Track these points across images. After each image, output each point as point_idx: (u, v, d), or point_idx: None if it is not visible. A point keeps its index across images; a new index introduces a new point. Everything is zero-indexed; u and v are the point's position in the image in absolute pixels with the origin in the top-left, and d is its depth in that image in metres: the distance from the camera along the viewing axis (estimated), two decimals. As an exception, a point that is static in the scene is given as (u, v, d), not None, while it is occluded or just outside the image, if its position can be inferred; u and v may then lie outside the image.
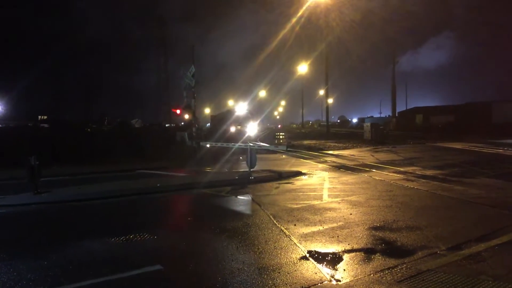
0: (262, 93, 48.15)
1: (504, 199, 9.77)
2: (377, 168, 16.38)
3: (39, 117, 59.93)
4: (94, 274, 5.54)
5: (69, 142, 22.69)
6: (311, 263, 5.82)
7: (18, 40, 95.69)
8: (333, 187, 12.10)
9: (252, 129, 35.27)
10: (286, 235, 7.23)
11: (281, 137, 42.83)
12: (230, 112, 41.16)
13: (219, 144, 21.35)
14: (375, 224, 7.79)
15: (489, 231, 7.11)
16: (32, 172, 11.15)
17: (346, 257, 6.05)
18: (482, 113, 47.31)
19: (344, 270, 5.55)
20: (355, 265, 5.71)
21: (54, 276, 5.54)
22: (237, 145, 17.92)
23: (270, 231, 7.57)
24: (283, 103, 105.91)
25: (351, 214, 8.67)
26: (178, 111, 21.19)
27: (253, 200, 10.53)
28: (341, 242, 6.76)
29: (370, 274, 5.37)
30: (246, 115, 38.61)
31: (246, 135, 33.69)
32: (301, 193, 11.34)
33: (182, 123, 44.87)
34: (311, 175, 14.84)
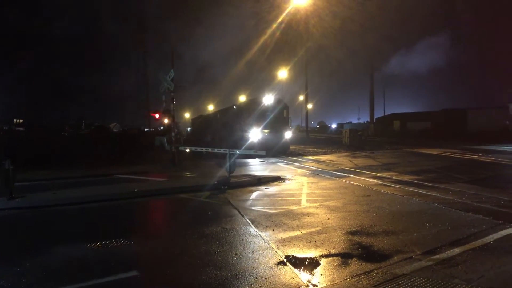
0: (242, 98, 48.15)
1: (478, 204, 9.97)
2: (355, 173, 16.55)
3: (15, 120, 58.82)
4: (68, 280, 5.44)
5: (45, 146, 22.32)
6: (289, 268, 5.84)
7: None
8: (312, 192, 12.17)
9: (289, 135, 28.37)
10: (264, 240, 7.23)
11: None
12: (252, 104, 28.14)
13: (198, 149, 21.26)
14: (352, 229, 7.87)
15: (463, 236, 7.26)
16: (6, 176, 10.89)
17: (323, 261, 6.09)
18: (458, 120, 48.43)
19: (321, 274, 5.59)
20: (332, 270, 5.75)
21: (27, 283, 5.41)
22: (216, 150, 17.90)
23: (248, 236, 7.56)
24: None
25: (328, 219, 8.73)
26: (157, 116, 20.94)
27: (231, 205, 10.51)
28: (319, 247, 6.80)
29: (346, 279, 5.42)
30: (278, 114, 27.42)
31: (283, 140, 27.46)
32: (280, 198, 11.37)
33: (161, 128, 44.03)
34: (290, 180, 14.89)
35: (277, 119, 27.21)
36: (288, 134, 28.18)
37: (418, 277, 5.40)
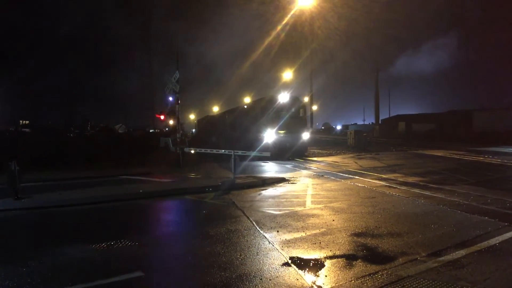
0: (247, 99, 48.04)
1: (483, 206, 9.93)
2: (360, 175, 16.51)
3: (21, 121, 59.10)
4: (73, 281, 5.46)
5: (51, 147, 22.42)
6: (293, 270, 5.83)
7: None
8: (316, 194, 12.16)
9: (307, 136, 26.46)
10: (269, 242, 7.23)
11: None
12: (265, 103, 25.77)
13: (203, 150, 21.28)
14: (357, 231, 7.85)
15: (468, 238, 7.23)
16: (12, 177, 10.95)
17: (328, 263, 6.08)
18: (463, 121, 48.15)
19: (326, 276, 5.58)
20: (337, 271, 5.74)
21: (32, 283, 5.43)
22: (221, 151, 17.92)
23: (252, 237, 7.56)
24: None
25: (333, 220, 8.71)
26: (162, 117, 20.98)
27: (236, 206, 10.51)
28: (323, 248, 6.79)
29: (351, 280, 5.41)
30: (294, 113, 25.65)
31: (300, 141, 25.51)
32: (285, 200, 11.37)
33: (166, 129, 44.01)
34: (295, 182, 14.88)
35: (293, 119, 25.45)
36: (306, 135, 26.21)
37: (423, 279, 5.38)
